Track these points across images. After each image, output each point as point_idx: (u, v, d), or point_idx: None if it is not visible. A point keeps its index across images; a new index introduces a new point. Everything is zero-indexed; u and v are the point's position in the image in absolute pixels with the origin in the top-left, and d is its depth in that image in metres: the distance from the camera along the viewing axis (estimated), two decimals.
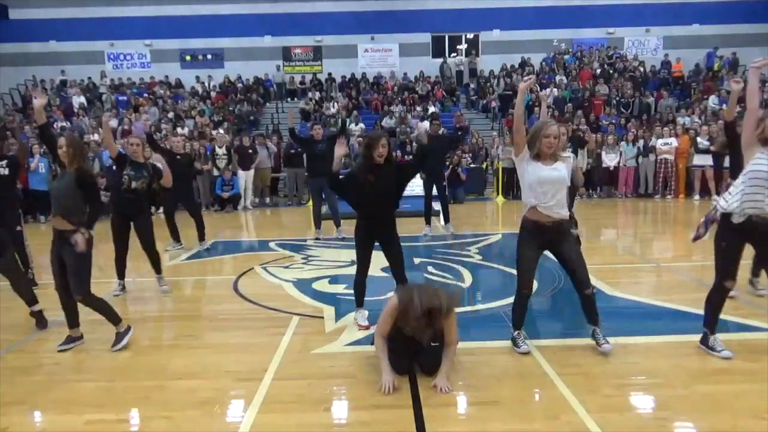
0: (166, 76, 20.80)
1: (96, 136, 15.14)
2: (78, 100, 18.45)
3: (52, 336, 4.57)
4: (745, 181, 3.61)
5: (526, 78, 4.10)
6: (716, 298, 3.84)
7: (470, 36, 22.06)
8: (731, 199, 3.68)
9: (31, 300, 4.79)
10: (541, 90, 18.38)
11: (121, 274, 5.80)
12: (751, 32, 20.38)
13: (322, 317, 4.87)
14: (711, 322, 3.87)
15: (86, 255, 4.09)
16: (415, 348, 3.53)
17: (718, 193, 12.34)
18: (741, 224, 3.63)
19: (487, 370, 3.64)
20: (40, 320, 4.79)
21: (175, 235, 8.08)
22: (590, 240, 7.98)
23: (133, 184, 5.55)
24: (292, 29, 21.11)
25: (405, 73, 20.83)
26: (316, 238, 8.57)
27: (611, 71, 19.26)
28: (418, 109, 18.15)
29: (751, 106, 3.65)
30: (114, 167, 6.04)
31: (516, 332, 4.04)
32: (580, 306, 3.94)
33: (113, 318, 4.30)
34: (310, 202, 13.09)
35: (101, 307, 4.28)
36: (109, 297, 5.24)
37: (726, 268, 3.76)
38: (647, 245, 8.24)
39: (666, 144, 12.88)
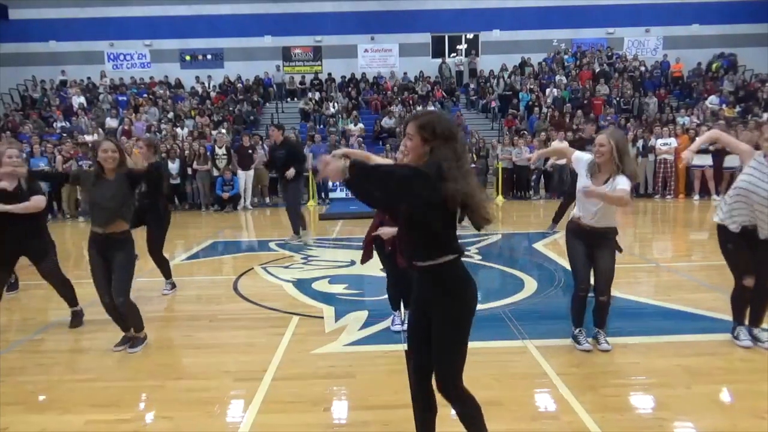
0: (166, 76, 20.79)
1: (95, 137, 15.16)
2: (78, 100, 18.45)
3: (52, 336, 4.59)
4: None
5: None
6: (740, 300, 3.97)
7: (470, 36, 22.04)
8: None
9: (73, 300, 4.86)
10: (541, 89, 18.41)
11: None
12: (751, 32, 20.39)
13: (322, 317, 4.87)
14: (736, 315, 4.02)
15: (132, 260, 4.20)
16: None
17: (717, 193, 12.37)
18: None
19: (487, 370, 3.64)
20: (78, 319, 4.84)
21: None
22: None
23: (143, 187, 5.54)
24: (292, 29, 21.09)
25: (405, 73, 20.83)
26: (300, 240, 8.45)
27: (609, 70, 19.23)
28: (418, 109, 18.14)
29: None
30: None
31: (577, 330, 4.05)
32: None
33: (139, 324, 4.30)
34: (311, 202, 13.16)
35: (135, 312, 4.25)
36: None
37: (738, 266, 3.89)
38: (647, 245, 8.23)
39: (665, 144, 12.87)
